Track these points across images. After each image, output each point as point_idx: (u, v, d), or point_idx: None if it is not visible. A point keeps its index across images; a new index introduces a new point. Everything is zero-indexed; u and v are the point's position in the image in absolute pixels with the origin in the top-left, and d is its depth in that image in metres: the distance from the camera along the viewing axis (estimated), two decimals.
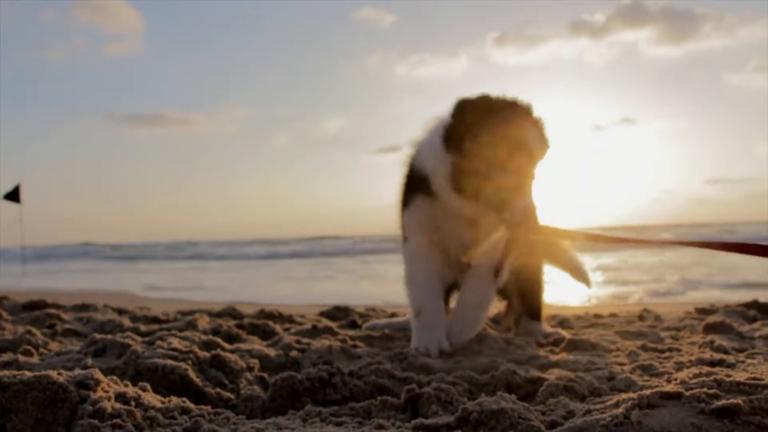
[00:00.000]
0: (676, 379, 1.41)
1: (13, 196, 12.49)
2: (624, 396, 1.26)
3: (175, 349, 1.84)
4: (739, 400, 1.13)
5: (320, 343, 2.18)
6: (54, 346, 2.31)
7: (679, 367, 1.80)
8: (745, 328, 2.60)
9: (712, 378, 1.27)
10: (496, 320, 2.90)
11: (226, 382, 1.73)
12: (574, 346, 2.26)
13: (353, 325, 3.04)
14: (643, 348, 2.22)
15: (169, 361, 1.70)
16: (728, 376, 1.29)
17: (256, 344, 2.28)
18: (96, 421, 1.22)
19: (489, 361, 1.95)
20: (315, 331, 2.62)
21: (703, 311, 3.34)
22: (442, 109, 2.13)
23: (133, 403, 1.34)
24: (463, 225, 2.18)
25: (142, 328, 2.72)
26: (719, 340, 2.24)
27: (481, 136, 1.95)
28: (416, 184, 2.22)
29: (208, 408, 1.44)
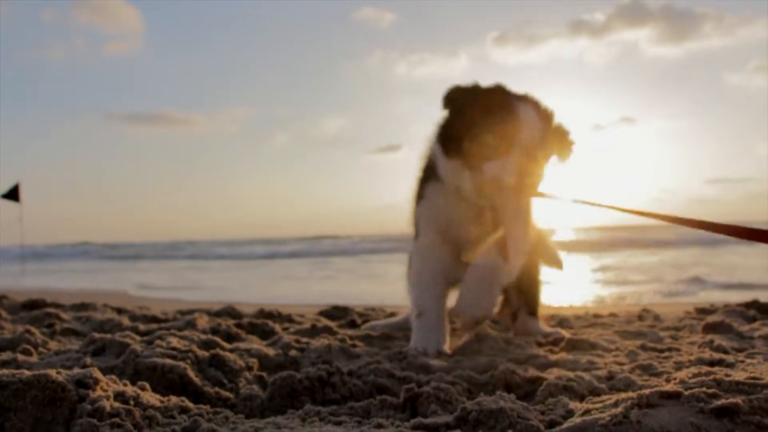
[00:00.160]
0: (675, 379, 1.41)
1: (13, 195, 12.49)
2: (623, 395, 1.26)
3: (174, 349, 1.84)
4: (738, 400, 1.12)
5: (319, 342, 2.18)
6: (53, 345, 2.31)
7: (679, 366, 1.80)
8: (744, 327, 2.60)
9: (711, 378, 1.27)
10: (495, 320, 2.90)
11: (225, 381, 1.72)
12: (573, 345, 2.26)
13: (352, 324, 3.04)
14: (643, 348, 2.22)
15: (168, 361, 1.69)
16: (728, 375, 1.29)
17: (255, 344, 2.28)
18: (95, 420, 1.22)
19: (488, 360, 1.95)
20: (314, 331, 2.62)
21: (702, 311, 3.34)
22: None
23: (132, 402, 1.34)
24: (472, 218, 2.17)
25: (141, 327, 2.72)
26: (719, 339, 2.24)
27: (470, 102, 2.05)
28: (429, 177, 2.23)
29: (207, 407, 1.44)
